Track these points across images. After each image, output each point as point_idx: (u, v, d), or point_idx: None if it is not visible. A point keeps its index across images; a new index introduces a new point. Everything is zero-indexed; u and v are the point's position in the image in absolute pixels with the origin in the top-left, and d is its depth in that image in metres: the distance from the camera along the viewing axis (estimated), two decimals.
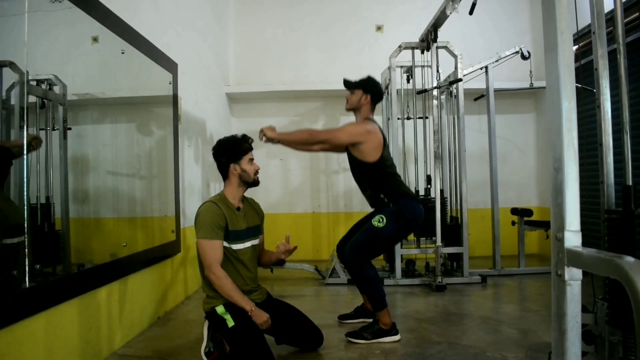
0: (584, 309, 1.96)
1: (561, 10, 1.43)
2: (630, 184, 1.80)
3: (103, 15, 2.71)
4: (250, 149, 2.75)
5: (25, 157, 2.09)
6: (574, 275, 1.36)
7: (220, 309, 2.53)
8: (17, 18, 2.08)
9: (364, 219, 3.30)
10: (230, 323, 2.48)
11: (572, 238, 1.37)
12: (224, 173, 2.74)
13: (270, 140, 3.04)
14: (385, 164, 3.10)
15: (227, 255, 2.60)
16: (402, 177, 3.40)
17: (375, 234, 2.99)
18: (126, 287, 2.98)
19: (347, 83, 3.24)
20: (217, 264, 2.52)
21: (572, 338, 1.37)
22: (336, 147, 3.29)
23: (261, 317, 2.52)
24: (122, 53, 2.99)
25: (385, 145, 3.12)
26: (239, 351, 2.46)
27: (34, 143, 2.22)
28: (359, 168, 3.15)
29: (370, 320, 3.09)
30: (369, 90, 3.17)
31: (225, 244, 2.59)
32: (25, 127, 2.09)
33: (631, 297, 1.05)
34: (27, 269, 1.99)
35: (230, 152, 2.70)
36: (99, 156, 2.95)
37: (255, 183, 2.76)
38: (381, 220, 2.98)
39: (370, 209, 3.31)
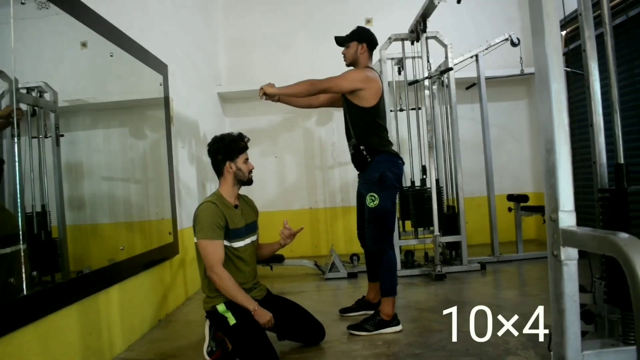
0: (583, 289, 1.98)
1: None
2: (622, 162, 1.81)
3: (91, 19, 2.69)
4: (246, 148, 2.76)
5: (17, 165, 2.08)
6: (570, 255, 1.37)
7: (221, 308, 2.53)
8: (3, 27, 2.07)
9: (359, 198, 3.28)
10: (232, 321, 2.48)
11: (567, 218, 1.38)
12: (219, 171, 2.74)
13: (270, 97, 3.03)
14: (378, 113, 3.11)
15: (228, 254, 2.60)
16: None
17: (378, 214, 3.00)
18: (125, 290, 2.98)
19: (339, 39, 3.24)
20: (219, 264, 2.52)
21: (570, 317, 1.38)
22: (337, 94, 3.24)
23: (264, 316, 2.53)
24: (111, 56, 2.97)
25: (381, 96, 3.13)
26: (241, 349, 2.46)
27: (18, 114, 2.16)
28: (352, 112, 3.13)
29: (372, 312, 3.10)
30: (363, 39, 3.18)
31: (226, 242, 2.59)
32: (17, 136, 2.08)
33: (626, 272, 1.06)
34: (24, 277, 1.98)
35: (227, 149, 2.70)
36: (92, 162, 2.93)
37: (249, 182, 2.77)
38: (373, 198, 2.98)
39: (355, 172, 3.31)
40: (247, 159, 2.75)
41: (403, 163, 3.17)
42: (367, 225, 3.09)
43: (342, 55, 3.25)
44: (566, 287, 1.37)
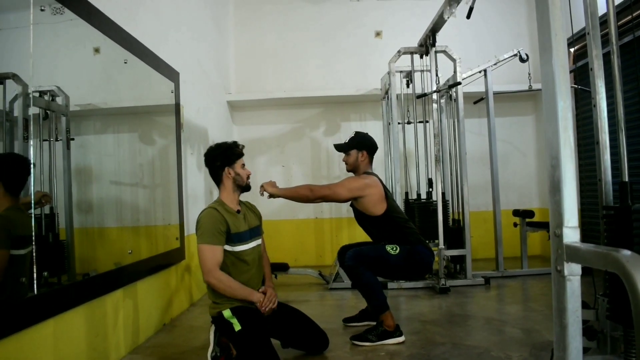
0: (586, 306, 1.99)
1: (555, 12, 1.47)
2: (627, 180, 1.83)
3: (105, 25, 2.75)
4: (242, 154, 2.82)
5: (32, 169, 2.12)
6: (573, 271, 1.39)
7: (227, 313, 2.55)
8: (20, 31, 2.12)
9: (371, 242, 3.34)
10: (237, 327, 2.50)
11: (571, 234, 1.39)
12: (218, 178, 2.78)
13: (271, 195, 3.11)
14: (393, 214, 3.18)
15: (231, 258, 2.62)
16: (406, 215, 3.44)
17: (384, 256, 3.05)
18: (132, 294, 3.01)
19: (339, 147, 3.33)
20: (216, 267, 2.54)
21: (573, 332, 1.39)
22: (338, 201, 3.29)
23: (271, 300, 2.62)
24: (125, 63, 3.03)
25: (388, 196, 3.19)
26: (245, 355, 2.48)
27: (44, 200, 2.28)
28: (367, 221, 3.23)
29: (375, 323, 3.11)
30: (363, 147, 3.27)
31: (229, 247, 2.61)
32: (28, 138, 2.13)
33: (628, 289, 1.08)
34: (35, 277, 2.02)
35: (224, 156, 2.75)
36: (102, 166, 2.97)
37: (247, 187, 2.81)
38: (395, 249, 3.05)
39: None
40: (244, 164, 2.81)
41: (432, 256, 3.21)
42: (363, 247, 3.13)
43: (344, 162, 3.35)
44: (569, 303, 1.38)
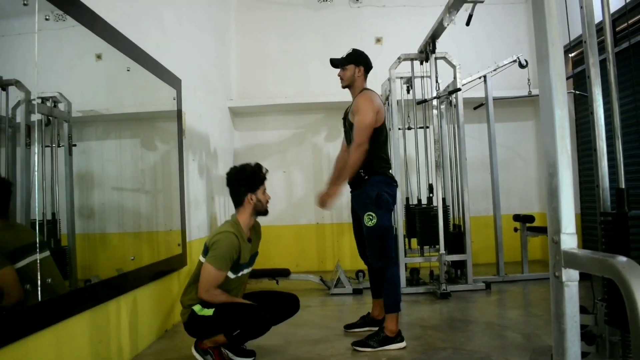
0: (584, 310, 2.01)
1: (552, 22, 1.49)
2: (623, 186, 1.85)
3: (108, 33, 2.78)
4: (265, 178, 2.85)
5: (29, 174, 2.14)
6: (571, 276, 1.41)
7: (197, 308, 2.64)
8: (23, 37, 2.15)
9: (354, 216, 3.32)
10: (210, 312, 2.59)
11: (568, 240, 1.41)
12: (239, 201, 2.81)
13: (334, 194, 3.16)
14: (382, 132, 3.17)
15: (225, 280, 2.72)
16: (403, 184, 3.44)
17: (377, 232, 3.05)
18: (134, 300, 3.02)
19: (336, 61, 3.29)
20: (215, 288, 2.64)
21: (571, 337, 1.41)
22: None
23: None
24: (128, 70, 3.06)
25: (384, 116, 3.21)
26: (230, 323, 2.59)
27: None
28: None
29: (376, 328, 3.13)
30: (360, 62, 3.25)
31: (230, 274, 2.72)
32: (30, 145, 2.15)
33: (624, 295, 1.10)
34: (39, 283, 2.03)
35: (249, 181, 2.79)
36: (104, 172, 3.00)
37: (265, 212, 2.87)
38: (371, 217, 3.03)
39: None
40: (265, 189, 2.84)
41: (397, 185, 3.24)
42: (367, 244, 3.14)
43: (340, 77, 3.30)
44: (567, 308, 1.40)
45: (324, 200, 3.18)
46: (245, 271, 2.85)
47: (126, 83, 3.14)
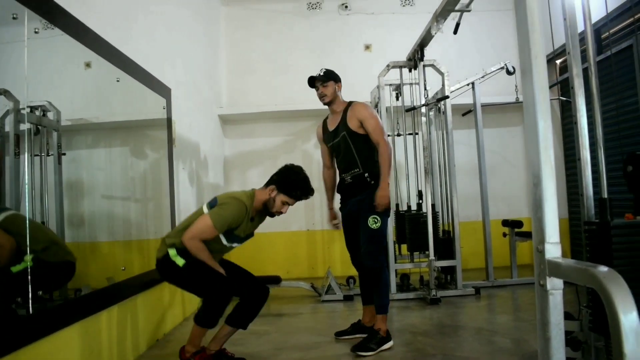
0: (570, 317, 2.04)
1: (534, 36, 1.53)
2: (606, 196, 1.89)
3: (96, 43, 2.78)
4: (299, 200, 2.93)
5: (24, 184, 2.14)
6: (555, 285, 1.44)
7: (172, 252, 2.69)
8: (12, 46, 2.15)
9: (349, 221, 3.38)
10: (181, 262, 2.64)
11: (552, 250, 1.44)
12: (269, 182, 2.93)
13: (387, 195, 3.19)
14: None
15: (214, 245, 2.78)
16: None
17: (379, 235, 3.19)
18: (125, 310, 3.02)
19: (316, 78, 3.34)
20: (199, 241, 2.67)
21: (556, 345, 1.44)
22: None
23: None
24: (117, 81, 3.06)
25: None
26: (196, 285, 2.68)
27: None
28: (357, 143, 3.27)
29: (366, 335, 3.14)
30: (338, 79, 3.39)
31: (222, 238, 2.79)
32: (20, 154, 2.15)
33: (605, 304, 1.13)
34: (30, 296, 2.03)
35: (290, 187, 2.86)
36: (94, 181, 3.00)
37: (271, 215, 2.95)
38: (376, 220, 3.15)
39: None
40: (288, 204, 2.90)
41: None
42: (364, 245, 3.20)
43: (321, 94, 3.35)
44: (552, 316, 1.43)
45: (386, 198, 3.18)
46: (235, 245, 2.90)
47: (116, 93, 3.14)
